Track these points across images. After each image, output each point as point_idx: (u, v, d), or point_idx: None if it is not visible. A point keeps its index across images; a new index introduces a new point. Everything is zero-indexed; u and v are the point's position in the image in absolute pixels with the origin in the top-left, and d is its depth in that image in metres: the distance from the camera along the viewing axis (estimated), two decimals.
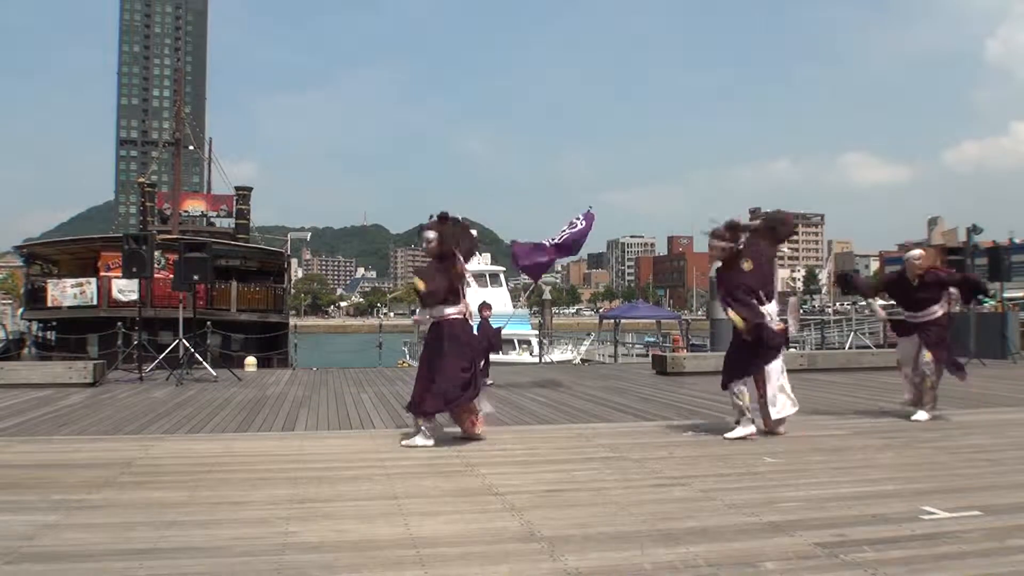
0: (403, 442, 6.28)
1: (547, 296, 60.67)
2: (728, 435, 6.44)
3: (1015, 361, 15.13)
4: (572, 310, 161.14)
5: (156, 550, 3.48)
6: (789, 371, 13.66)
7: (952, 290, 7.60)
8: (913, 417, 7.53)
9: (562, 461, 5.69)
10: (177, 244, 15.63)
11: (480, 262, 35.85)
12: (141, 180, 42.50)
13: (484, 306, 11.20)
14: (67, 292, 23.48)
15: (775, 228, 6.73)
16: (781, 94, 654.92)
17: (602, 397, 10.07)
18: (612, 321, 34.78)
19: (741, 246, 6.52)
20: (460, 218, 6.69)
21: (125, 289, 21.91)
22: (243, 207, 38.07)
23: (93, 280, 23.67)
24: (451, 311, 6.29)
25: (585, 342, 35.67)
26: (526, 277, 13.67)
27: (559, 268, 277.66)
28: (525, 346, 31.00)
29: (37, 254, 27.90)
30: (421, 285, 6.23)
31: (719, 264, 6.69)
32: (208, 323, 16.55)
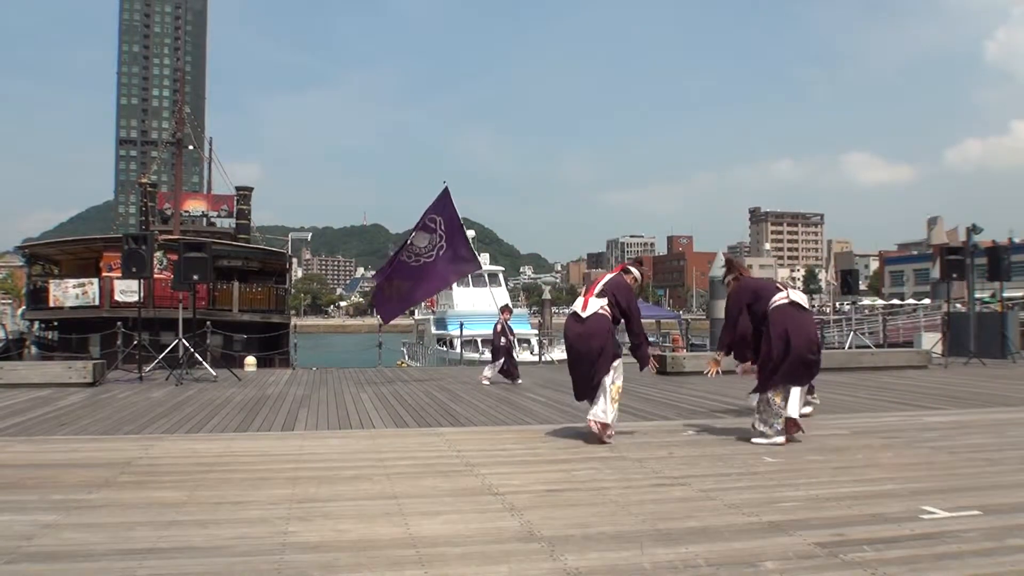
0: None
1: (547, 296, 60.76)
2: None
3: (1015, 360, 15.13)
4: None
5: (156, 550, 3.48)
6: None
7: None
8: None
9: (562, 461, 5.69)
10: (178, 244, 15.63)
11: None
12: (143, 180, 42.51)
13: (504, 308, 13.11)
14: (69, 292, 23.52)
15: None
16: (783, 94, 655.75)
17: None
18: None
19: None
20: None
21: (127, 290, 21.94)
22: (244, 207, 38.10)
23: (95, 280, 23.70)
24: None
25: None
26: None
27: (559, 268, 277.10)
28: (525, 345, 30.97)
29: (38, 254, 27.93)
30: None
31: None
32: (208, 323, 16.55)
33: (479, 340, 30.07)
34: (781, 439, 6.19)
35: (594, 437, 6.37)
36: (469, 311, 30.42)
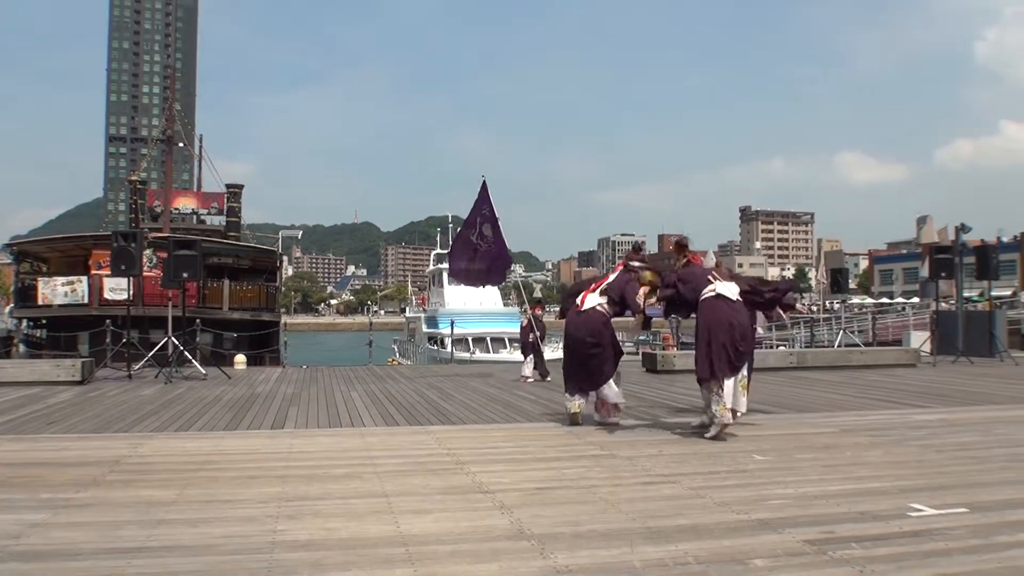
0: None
1: (538, 294, 60.85)
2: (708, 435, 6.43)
3: (1003, 359, 15.23)
4: None
5: (144, 548, 3.47)
6: (779, 369, 13.76)
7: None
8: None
9: (552, 459, 5.70)
10: (167, 242, 15.55)
11: None
12: (133, 178, 42.22)
13: (535, 303, 13.53)
14: (58, 290, 23.36)
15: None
16: (776, 94, 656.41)
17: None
18: None
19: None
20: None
21: (117, 288, 21.82)
22: (234, 205, 37.87)
23: (84, 278, 23.54)
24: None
25: None
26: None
27: (549, 267, 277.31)
28: (517, 344, 30.96)
29: (27, 252, 27.71)
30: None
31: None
32: (198, 321, 16.47)
33: (470, 339, 30.04)
34: (716, 429, 6.34)
35: (591, 424, 6.70)
36: (460, 309, 30.41)
